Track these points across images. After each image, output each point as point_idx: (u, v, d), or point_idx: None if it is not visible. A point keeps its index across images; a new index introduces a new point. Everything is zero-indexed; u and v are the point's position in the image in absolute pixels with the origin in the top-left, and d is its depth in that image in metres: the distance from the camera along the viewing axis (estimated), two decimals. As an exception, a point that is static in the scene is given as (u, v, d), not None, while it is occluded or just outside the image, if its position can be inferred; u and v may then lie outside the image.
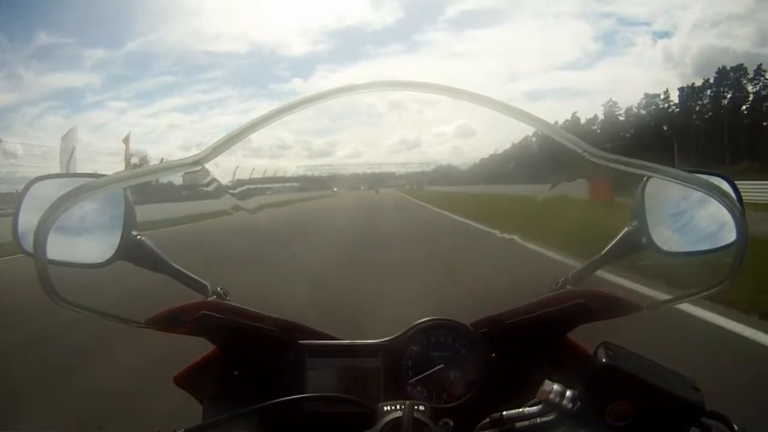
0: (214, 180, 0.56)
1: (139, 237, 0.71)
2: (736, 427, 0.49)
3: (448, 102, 0.49)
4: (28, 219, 0.64)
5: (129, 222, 0.70)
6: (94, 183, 0.48)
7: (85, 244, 0.67)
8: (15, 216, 0.65)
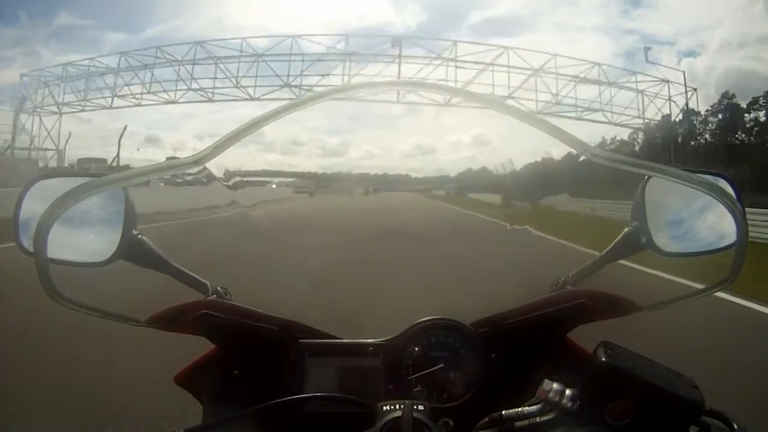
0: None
1: (139, 236, 0.71)
2: (735, 426, 0.49)
3: (465, 109, 0.49)
4: (28, 218, 0.64)
5: (129, 221, 0.70)
6: (94, 182, 0.48)
7: (86, 243, 0.68)
8: (15, 215, 0.65)
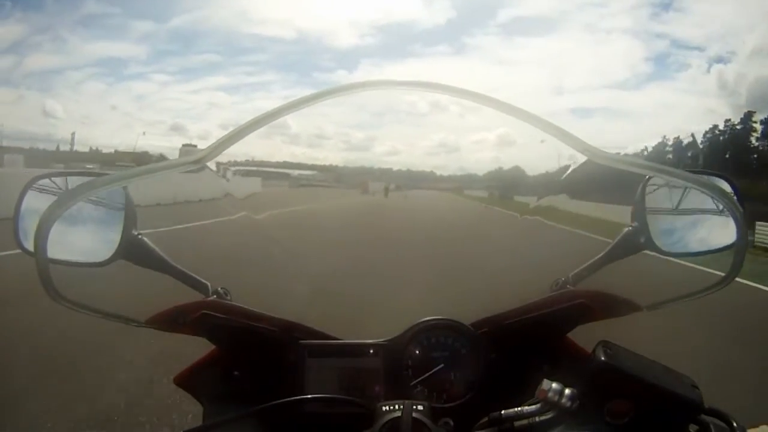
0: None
1: (139, 236, 0.71)
2: (735, 424, 0.49)
3: (490, 109, 0.48)
4: (28, 217, 0.64)
5: (129, 221, 0.70)
6: (95, 182, 0.48)
7: (86, 242, 0.67)
8: (15, 214, 0.65)
